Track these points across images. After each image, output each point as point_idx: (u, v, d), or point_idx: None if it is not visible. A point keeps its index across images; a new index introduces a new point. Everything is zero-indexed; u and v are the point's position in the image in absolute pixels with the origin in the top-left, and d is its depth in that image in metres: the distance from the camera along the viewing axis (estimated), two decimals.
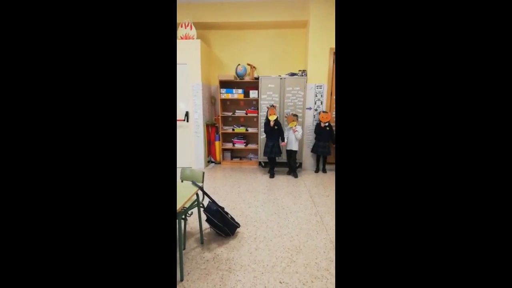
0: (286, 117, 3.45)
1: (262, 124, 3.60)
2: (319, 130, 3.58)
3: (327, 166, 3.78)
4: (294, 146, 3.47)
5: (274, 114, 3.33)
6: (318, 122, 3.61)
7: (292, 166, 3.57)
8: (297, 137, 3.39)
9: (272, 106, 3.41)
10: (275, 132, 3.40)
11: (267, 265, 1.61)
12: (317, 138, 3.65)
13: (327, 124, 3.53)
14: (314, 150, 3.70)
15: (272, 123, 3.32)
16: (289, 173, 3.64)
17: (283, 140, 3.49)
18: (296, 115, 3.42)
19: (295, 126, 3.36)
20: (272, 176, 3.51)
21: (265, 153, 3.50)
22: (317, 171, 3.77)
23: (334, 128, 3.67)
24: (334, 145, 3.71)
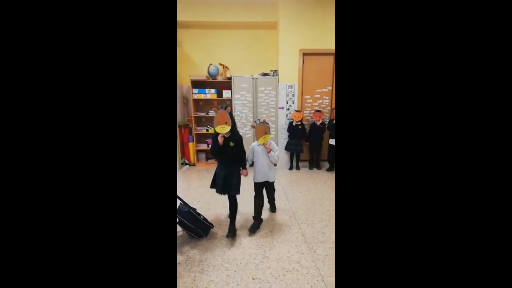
0: (253, 127, 1.88)
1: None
2: (292, 128, 3.68)
3: (300, 163, 3.90)
4: (270, 176, 2.03)
5: (228, 124, 1.73)
6: (291, 121, 3.71)
7: (270, 198, 2.31)
8: (273, 160, 1.97)
9: (224, 108, 1.77)
10: (230, 153, 1.83)
11: (240, 263, 1.62)
12: (290, 136, 3.74)
13: (299, 122, 3.64)
14: (287, 148, 3.79)
15: (221, 139, 1.75)
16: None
17: (243, 166, 1.97)
18: (267, 124, 1.88)
19: (268, 142, 1.91)
20: (231, 235, 1.89)
21: (213, 186, 1.95)
22: (290, 168, 3.87)
23: (306, 127, 3.80)
24: (306, 143, 3.85)
